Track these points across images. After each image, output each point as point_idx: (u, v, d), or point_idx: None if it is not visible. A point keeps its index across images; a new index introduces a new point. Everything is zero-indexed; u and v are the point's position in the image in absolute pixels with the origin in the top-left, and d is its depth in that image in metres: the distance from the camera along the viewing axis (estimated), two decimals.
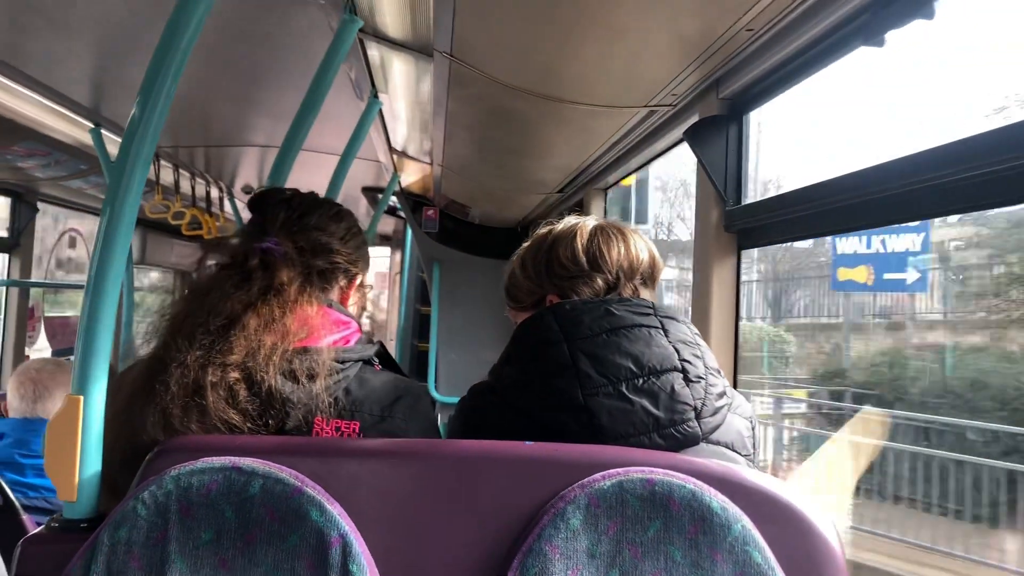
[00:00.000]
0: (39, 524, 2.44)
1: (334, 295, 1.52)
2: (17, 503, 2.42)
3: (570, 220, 1.52)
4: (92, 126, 3.60)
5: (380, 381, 1.42)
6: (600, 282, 1.42)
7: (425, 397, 1.49)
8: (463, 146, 3.27)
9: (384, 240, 7.96)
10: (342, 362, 1.37)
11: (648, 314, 1.33)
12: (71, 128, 3.62)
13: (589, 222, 1.50)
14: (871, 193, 1.42)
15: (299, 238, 1.48)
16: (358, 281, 1.58)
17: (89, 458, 1.20)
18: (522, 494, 1.15)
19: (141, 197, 1.30)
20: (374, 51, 2.42)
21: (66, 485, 1.20)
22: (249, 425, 1.29)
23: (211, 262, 1.46)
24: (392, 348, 6.91)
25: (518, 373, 1.31)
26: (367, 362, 1.44)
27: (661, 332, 1.30)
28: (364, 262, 1.60)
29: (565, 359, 1.26)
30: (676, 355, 1.28)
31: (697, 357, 1.30)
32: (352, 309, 1.57)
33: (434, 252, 5.37)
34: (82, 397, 1.20)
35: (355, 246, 1.57)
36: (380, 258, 8.57)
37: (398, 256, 7.65)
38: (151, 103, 1.26)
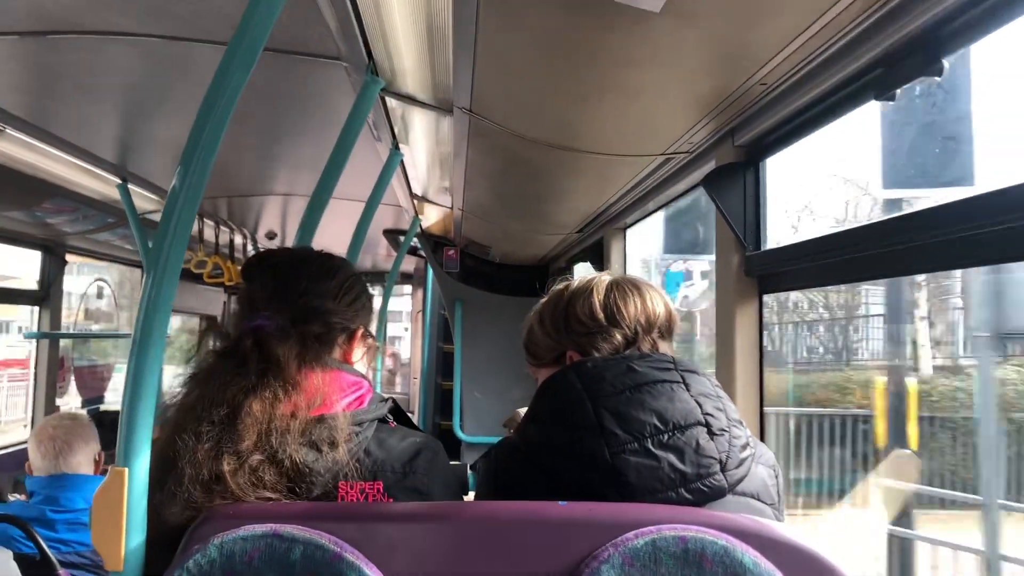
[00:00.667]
0: None
1: (336, 355, 1.49)
2: (54, 559, 2.47)
3: (585, 275, 1.54)
4: (119, 181, 3.70)
5: (397, 438, 1.44)
6: (619, 337, 1.43)
7: (442, 451, 1.50)
8: (482, 192, 3.32)
9: (406, 278, 8.02)
10: (359, 424, 1.39)
11: (669, 369, 1.34)
12: (99, 184, 3.71)
13: (604, 277, 1.52)
14: (895, 243, 1.44)
15: (291, 306, 1.45)
16: (359, 334, 1.55)
17: (135, 529, 1.23)
18: (557, 554, 1.17)
19: (182, 264, 1.33)
20: (395, 106, 2.47)
21: (113, 556, 1.22)
22: (280, 497, 1.31)
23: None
24: (416, 386, 6.95)
25: (543, 433, 1.33)
26: (382, 420, 1.46)
27: (683, 386, 1.32)
28: (364, 315, 1.56)
29: (590, 417, 1.28)
30: (699, 409, 1.29)
31: (719, 410, 1.32)
32: (360, 365, 1.56)
33: (456, 291, 5.41)
34: (127, 469, 1.23)
35: (351, 300, 1.52)
36: (403, 296, 8.63)
37: (420, 294, 7.70)
38: (191, 171, 1.28)
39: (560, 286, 1.55)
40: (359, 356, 1.55)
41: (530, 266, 5.35)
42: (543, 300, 1.56)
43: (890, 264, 1.49)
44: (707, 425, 1.28)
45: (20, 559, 2.44)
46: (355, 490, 1.35)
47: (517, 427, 1.42)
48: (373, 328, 1.62)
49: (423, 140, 2.88)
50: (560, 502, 1.22)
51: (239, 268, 5.25)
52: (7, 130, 2.83)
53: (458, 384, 5.41)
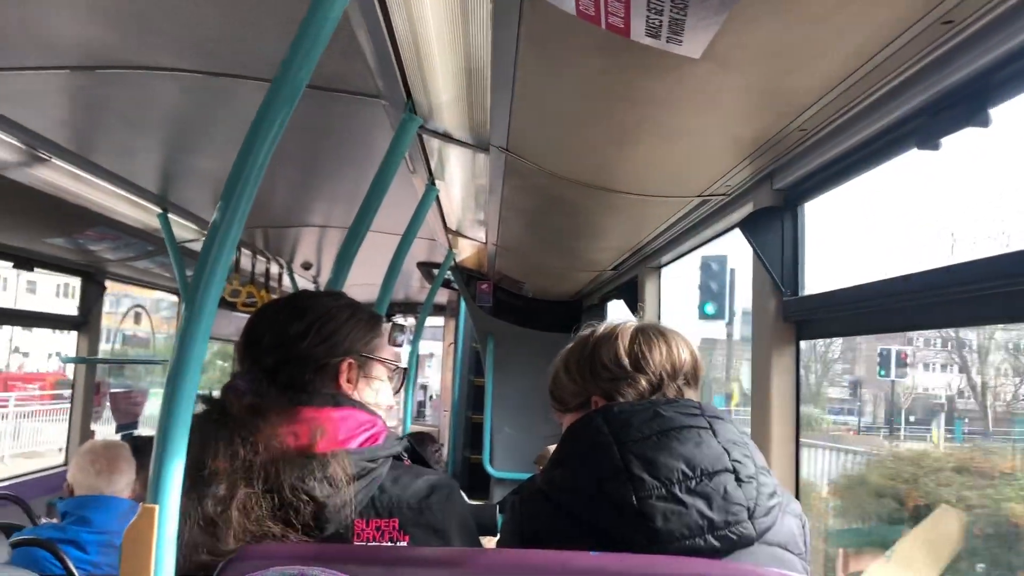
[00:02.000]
0: None
1: (327, 391, 1.46)
2: None
3: (610, 322, 1.54)
4: (160, 211, 3.77)
5: (412, 476, 1.44)
6: (644, 383, 1.43)
7: (457, 489, 1.49)
8: (517, 228, 3.33)
9: (438, 310, 8.04)
10: (373, 460, 1.38)
11: (696, 415, 1.33)
12: (140, 213, 3.79)
13: (630, 324, 1.51)
14: (940, 294, 1.41)
15: (259, 359, 1.47)
16: (346, 366, 1.49)
17: (164, 567, 1.23)
18: None
19: (219, 297, 1.34)
20: (432, 143, 2.49)
21: None
22: (293, 535, 1.30)
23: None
24: (446, 419, 6.93)
25: (570, 477, 1.31)
26: (396, 458, 1.46)
27: (710, 432, 1.30)
28: (347, 345, 1.51)
29: (617, 462, 1.26)
30: (727, 455, 1.28)
31: (747, 456, 1.30)
32: (370, 394, 1.52)
33: (488, 325, 5.41)
34: (157, 506, 1.23)
35: (324, 336, 1.49)
36: (435, 327, 8.65)
37: (452, 326, 7.72)
38: (232, 206, 1.29)
39: (586, 332, 1.55)
40: (352, 387, 1.50)
41: (563, 302, 5.35)
42: (569, 346, 1.56)
43: (935, 315, 1.46)
44: (735, 472, 1.26)
45: None
46: (371, 527, 1.35)
47: (542, 470, 1.41)
48: (388, 354, 1.57)
49: (459, 176, 2.90)
50: (591, 552, 1.20)
51: (273, 295, 5.33)
52: (53, 159, 2.89)
53: (488, 418, 5.39)
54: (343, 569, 1.16)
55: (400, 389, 1.65)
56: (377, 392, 1.55)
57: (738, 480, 1.26)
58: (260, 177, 1.32)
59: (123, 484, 2.78)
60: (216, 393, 1.46)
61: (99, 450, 2.82)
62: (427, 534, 1.38)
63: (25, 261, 4.22)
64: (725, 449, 1.28)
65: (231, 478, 1.31)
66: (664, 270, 3.66)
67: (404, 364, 1.66)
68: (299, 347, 1.47)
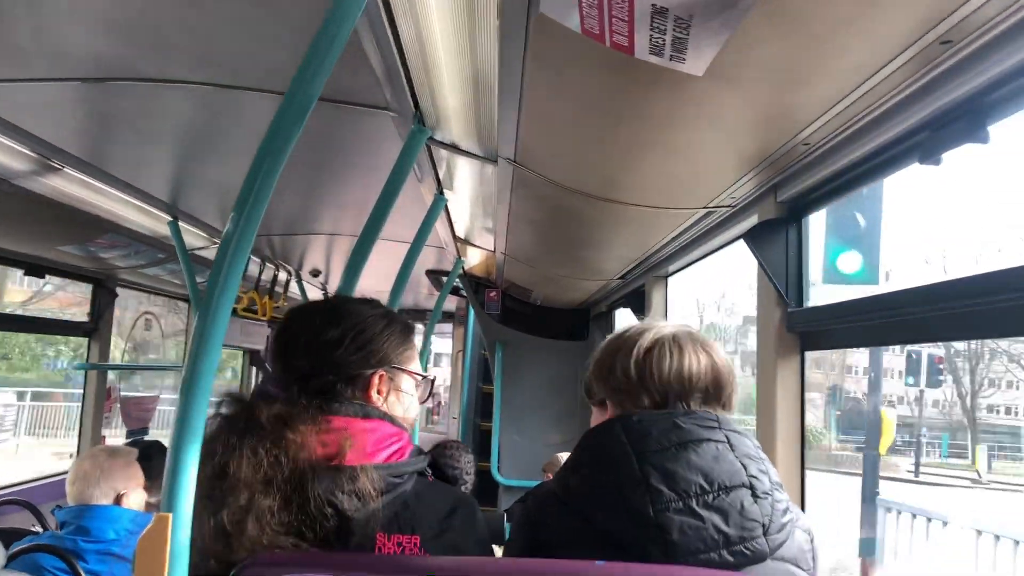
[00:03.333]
0: None
1: (356, 401, 1.45)
2: None
3: (648, 323, 1.46)
4: (170, 219, 3.80)
5: (435, 493, 1.44)
6: (645, 400, 1.38)
7: (477, 508, 1.49)
8: (525, 237, 3.34)
9: (447, 317, 8.06)
10: (399, 476, 1.39)
11: (714, 428, 1.32)
12: (150, 221, 3.82)
13: (651, 335, 1.43)
14: (946, 307, 1.42)
15: (292, 364, 1.47)
16: (377, 377, 1.49)
17: (176, 575, 1.25)
18: None
19: (232, 305, 1.36)
20: (440, 154, 2.51)
21: None
22: (308, 546, 1.31)
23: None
24: (456, 427, 6.95)
25: (585, 484, 1.31)
26: (420, 474, 1.45)
27: (727, 446, 1.30)
28: (381, 356, 1.50)
29: (635, 473, 1.26)
30: (744, 471, 1.28)
31: (763, 472, 1.30)
32: (398, 407, 1.52)
33: (496, 332, 5.43)
34: (171, 514, 1.25)
35: (360, 345, 1.48)
36: (443, 336, 8.66)
37: (460, 333, 7.73)
38: (244, 216, 1.31)
39: (626, 328, 1.48)
40: (382, 399, 1.50)
41: (571, 310, 5.36)
42: (609, 337, 1.50)
43: (941, 328, 1.46)
44: (751, 488, 1.26)
45: None
46: (392, 542, 1.35)
47: (556, 475, 1.41)
48: (414, 366, 1.57)
49: (467, 186, 2.92)
50: (597, 561, 1.21)
51: (275, 304, 5.36)
52: (65, 168, 2.93)
53: (497, 426, 5.39)
54: None
55: (427, 400, 1.65)
56: (405, 406, 1.55)
57: (754, 496, 1.26)
58: (272, 188, 1.34)
59: (95, 493, 2.68)
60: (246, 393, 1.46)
61: (80, 463, 2.77)
62: (447, 554, 1.38)
63: (37, 268, 4.24)
64: (742, 464, 1.28)
65: (251, 489, 1.31)
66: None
67: (432, 375, 1.66)
68: (333, 355, 1.47)
